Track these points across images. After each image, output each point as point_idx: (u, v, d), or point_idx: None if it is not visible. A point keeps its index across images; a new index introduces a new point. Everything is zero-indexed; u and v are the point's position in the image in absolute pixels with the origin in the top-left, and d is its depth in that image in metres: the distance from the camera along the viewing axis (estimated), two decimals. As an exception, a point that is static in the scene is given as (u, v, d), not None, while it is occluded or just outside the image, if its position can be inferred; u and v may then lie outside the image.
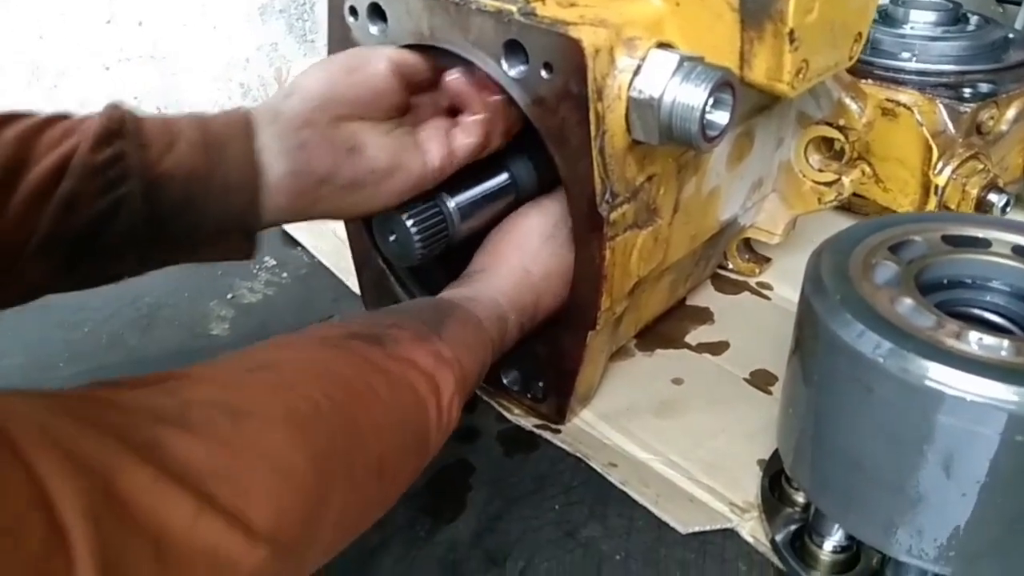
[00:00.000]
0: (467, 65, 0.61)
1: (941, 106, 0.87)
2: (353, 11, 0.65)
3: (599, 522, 0.62)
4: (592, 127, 0.55)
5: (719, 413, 0.72)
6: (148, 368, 0.78)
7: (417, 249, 0.65)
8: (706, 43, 0.59)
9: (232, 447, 0.36)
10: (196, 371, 0.42)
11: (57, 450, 0.29)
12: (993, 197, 0.87)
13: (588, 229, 0.60)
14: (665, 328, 0.83)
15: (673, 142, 0.56)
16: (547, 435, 0.70)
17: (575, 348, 0.66)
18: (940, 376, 0.44)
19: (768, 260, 0.92)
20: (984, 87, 0.89)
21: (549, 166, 0.61)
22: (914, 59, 0.94)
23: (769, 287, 0.90)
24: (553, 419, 0.71)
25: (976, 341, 0.46)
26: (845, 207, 0.96)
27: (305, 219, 0.60)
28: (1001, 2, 1.99)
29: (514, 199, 0.71)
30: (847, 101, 0.76)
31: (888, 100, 0.88)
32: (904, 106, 0.88)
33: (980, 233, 0.56)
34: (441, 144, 0.62)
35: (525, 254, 0.65)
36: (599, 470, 0.66)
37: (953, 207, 0.88)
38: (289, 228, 0.97)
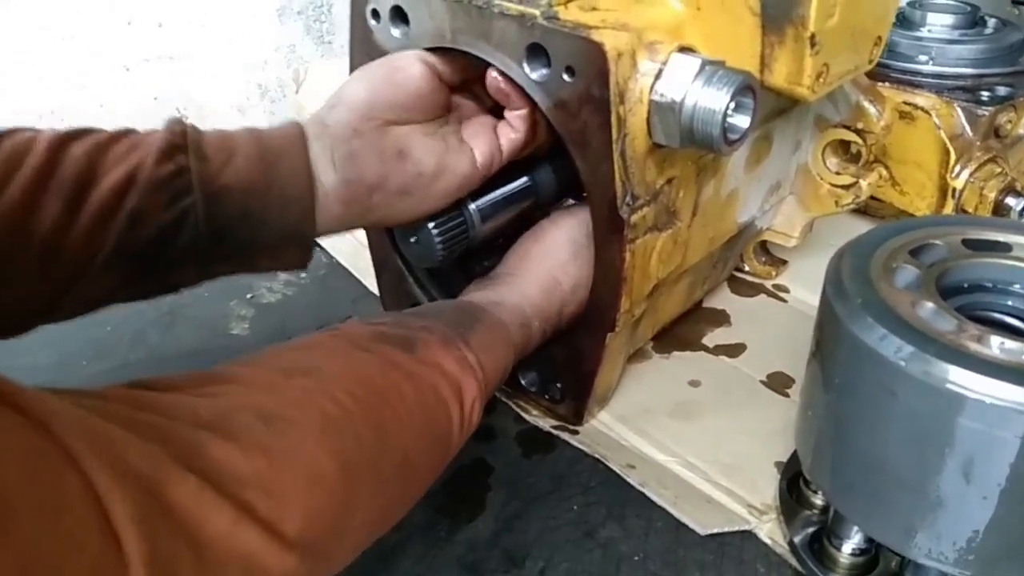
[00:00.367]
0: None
1: (959, 109, 0.87)
2: (375, 14, 0.66)
3: (617, 523, 0.62)
4: (613, 130, 0.56)
5: (736, 415, 0.72)
6: (170, 366, 0.80)
7: (438, 251, 0.65)
8: (727, 47, 0.60)
9: (269, 455, 0.38)
10: (235, 372, 0.43)
11: (108, 458, 0.30)
12: (1011, 201, 0.87)
13: (608, 231, 0.60)
14: (682, 330, 0.83)
15: (694, 145, 0.57)
16: (565, 436, 0.70)
17: (594, 350, 0.66)
18: (962, 379, 0.44)
19: (785, 263, 0.92)
20: (1002, 90, 0.89)
21: (569, 169, 0.62)
22: (931, 62, 0.94)
23: (786, 289, 0.91)
24: (571, 420, 0.72)
25: (998, 345, 0.46)
26: (862, 210, 0.96)
27: (359, 227, 0.62)
28: (1016, 3, 1.98)
29: (534, 202, 0.71)
30: (865, 104, 0.76)
31: (905, 103, 0.88)
32: (922, 109, 0.87)
33: (1000, 237, 0.56)
34: (487, 141, 0.63)
35: (555, 263, 0.66)
36: (617, 471, 0.66)
37: (970, 210, 0.88)
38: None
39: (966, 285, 0.55)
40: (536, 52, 0.57)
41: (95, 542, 0.28)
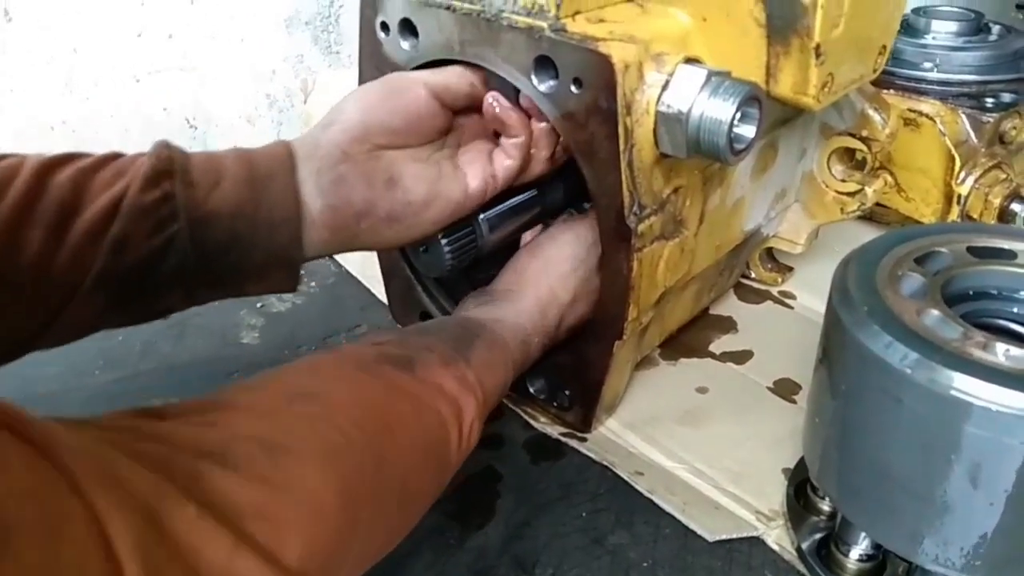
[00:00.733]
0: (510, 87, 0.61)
1: (963, 116, 0.88)
2: (384, 27, 0.66)
3: (626, 529, 0.63)
4: (621, 141, 0.56)
5: (744, 422, 0.73)
6: (181, 375, 0.80)
7: (447, 262, 0.66)
8: (733, 58, 0.60)
9: (270, 485, 0.38)
10: (237, 399, 0.43)
11: (110, 485, 0.30)
12: (1016, 207, 0.88)
13: (616, 241, 0.61)
14: (689, 337, 0.84)
15: (700, 155, 0.57)
16: (573, 443, 0.71)
17: (601, 358, 0.67)
18: (967, 387, 0.44)
19: (791, 269, 0.93)
20: (1006, 97, 0.90)
21: (577, 179, 0.62)
22: (936, 69, 0.95)
23: (792, 296, 0.91)
24: (579, 428, 0.72)
25: (1003, 352, 0.46)
26: (867, 217, 0.97)
27: (348, 251, 0.61)
28: (1020, 8, 1.98)
29: (541, 211, 0.72)
30: (870, 112, 0.77)
31: (910, 110, 0.89)
32: (926, 116, 0.88)
33: (1006, 244, 0.57)
34: (482, 168, 0.63)
35: (554, 278, 0.66)
36: (625, 478, 0.67)
37: (976, 217, 0.88)
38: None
39: (971, 292, 0.55)
40: (544, 64, 0.58)
41: (96, 568, 0.28)
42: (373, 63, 0.68)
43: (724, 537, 0.62)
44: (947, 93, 0.91)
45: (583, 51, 0.55)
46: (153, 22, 1.10)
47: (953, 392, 0.45)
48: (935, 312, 0.50)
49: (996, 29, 1.01)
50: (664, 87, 0.57)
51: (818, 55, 0.58)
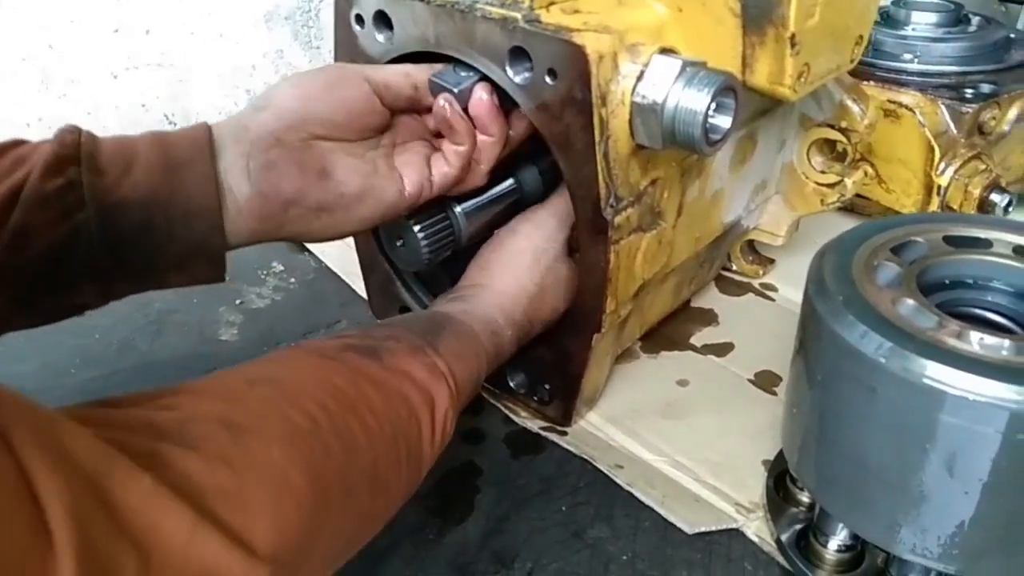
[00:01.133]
0: (480, 80, 0.60)
1: (943, 107, 0.88)
2: (359, 19, 0.66)
3: (606, 523, 0.63)
4: (596, 132, 0.56)
5: (724, 414, 0.73)
6: (159, 373, 0.80)
7: (424, 255, 0.65)
8: (708, 48, 0.60)
9: (232, 464, 0.36)
10: (195, 385, 0.41)
11: (49, 446, 0.28)
12: (995, 197, 0.88)
13: (593, 233, 0.60)
14: (670, 330, 0.84)
15: (676, 146, 0.57)
16: (553, 437, 0.71)
17: (580, 351, 0.67)
18: (941, 376, 0.44)
19: (772, 261, 0.93)
20: (986, 87, 0.90)
21: (554, 170, 0.62)
22: (916, 60, 0.95)
23: (773, 288, 0.91)
24: (559, 421, 0.72)
25: (977, 341, 0.46)
26: (848, 208, 0.97)
27: (273, 240, 0.58)
28: (1004, 1, 1.99)
29: (519, 202, 0.71)
30: (849, 103, 0.77)
31: (890, 101, 0.89)
32: (906, 107, 0.88)
33: (981, 234, 0.57)
34: (418, 171, 0.61)
35: (519, 269, 0.64)
36: (605, 471, 0.66)
37: (956, 207, 0.88)
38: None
39: (947, 281, 0.55)
40: (518, 55, 0.57)
41: (19, 532, 0.26)
42: (348, 56, 0.67)
43: (703, 529, 0.61)
44: (927, 84, 0.91)
45: (557, 42, 0.55)
46: (130, 17, 1.09)
47: (927, 381, 0.45)
48: (910, 301, 0.49)
49: (975, 20, 1.02)
50: (639, 78, 0.56)
51: (793, 45, 0.57)
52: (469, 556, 0.60)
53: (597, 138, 0.56)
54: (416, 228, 0.65)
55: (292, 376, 0.45)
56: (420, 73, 0.61)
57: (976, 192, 0.87)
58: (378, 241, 0.74)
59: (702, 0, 0.59)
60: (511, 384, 0.73)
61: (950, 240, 0.56)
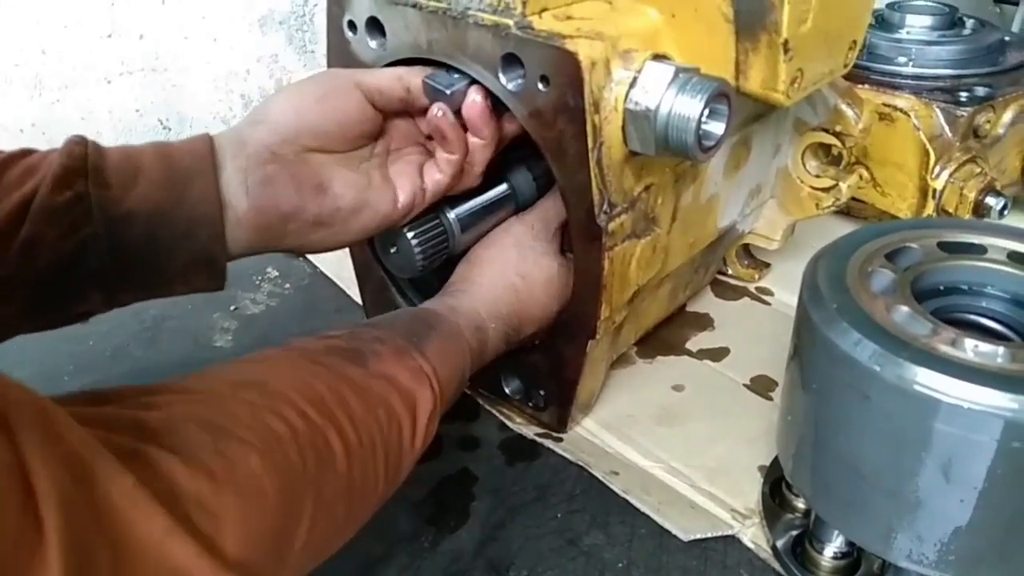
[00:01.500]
0: (473, 82, 0.60)
1: (938, 110, 0.88)
2: (352, 25, 0.66)
3: (601, 530, 0.62)
4: (589, 139, 0.56)
5: (720, 419, 0.73)
6: (153, 380, 0.77)
7: (418, 262, 0.65)
8: (702, 54, 0.60)
9: (211, 472, 0.37)
10: (181, 384, 0.42)
11: (46, 436, 0.29)
12: (991, 200, 0.88)
13: (587, 239, 0.60)
14: (666, 335, 0.83)
15: (669, 153, 0.57)
16: (549, 444, 0.70)
17: (575, 357, 0.66)
18: (936, 383, 0.44)
19: (767, 265, 0.93)
20: (980, 91, 0.90)
21: (548, 176, 0.62)
22: (911, 63, 0.95)
23: (769, 292, 0.91)
24: (555, 428, 0.72)
25: (972, 348, 0.46)
26: (844, 211, 0.97)
27: (273, 251, 0.59)
28: (998, 2, 1.99)
29: (513, 209, 0.71)
30: (843, 107, 0.77)
31: (885, 105, 0.89)
32: (901, 111, 0.88)
33: (976, 239, 0.57)
34: (411, 181, 0.61)
35: (506, 265, 0.65)
36: (601, 478, 0.66)
37: (951, 211, 0.88)
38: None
39: (942, 288, 0.55)
40: (511, 62, 0.57)
41: (13, 516, 0.27)
42: (341, 62, 0.67)
43: (699, 536, 0.61)
44: (921, 87, 0.91)
45: (549, 48, 0.55)
46: (124, 22, 1.09)
47: (921, 389, 0.45)
48: (904, 308, 0.49)
49: (970, 23, 1.02)
50: (632, 84, 0.56)
51: (786, 51, 0.57)
52: (464, 564, 0.60)
53: (590, 145, 0.56)
54: (410, 235, 0.64)
55: (276, 380, 0.46)
56: (413, 76, 0.61)
57: (971, 195, 0.87)
58: (372, 248, 0.74)
59: (695, 6, 0.59)
60: (506, 390, 0.73)
61: (944, 246, 0.56)
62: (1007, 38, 1.01)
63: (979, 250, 0.56)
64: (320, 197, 0.57)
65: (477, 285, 0.64)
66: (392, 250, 0.67)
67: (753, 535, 0.61)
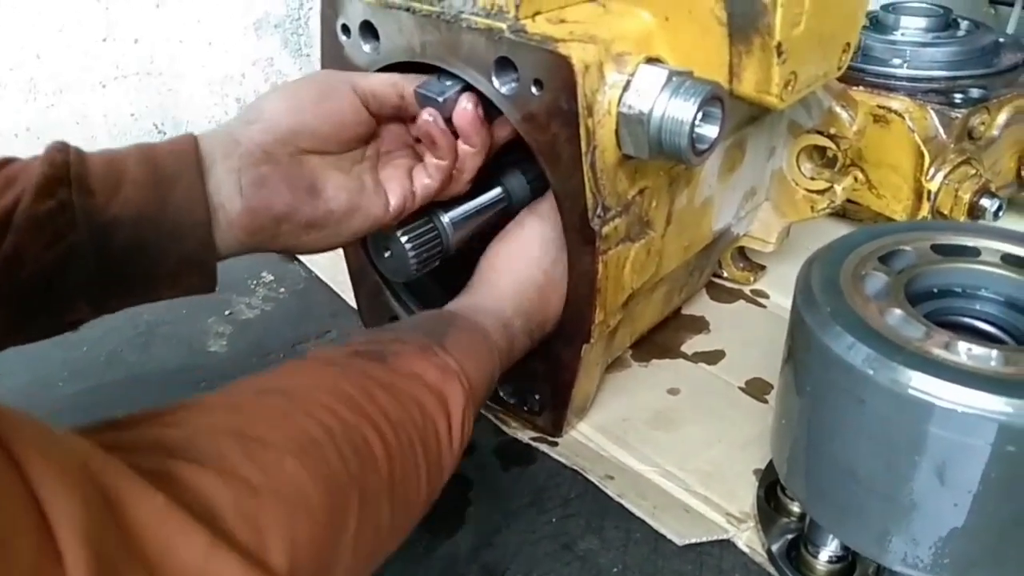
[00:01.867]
0: (465, 89, 0.60)
1: (932, 112, 0.88)
2: (346, 29, 0.65)
3: (596, 535, 0.62)
4: (583, 143, 0.56)
5: (715, 423, 0.72)
6: (148, 385, 0.79)
7: (412, 265, 0.65)
8: (695, 57, 0.60)
9: (246, 479, 0.35)
10: (201, 400, 0.40)
11: (60, 465, 0.27)
12: (985, 202, 0.88)
13: (581, 243, 0.60)
14: (661, 338, 0.83)
15: (663, 156, 0.57)
16: (544, 448, 0.70)
17: (570, 361, 0.66)
18: (929, 387, 0.44)
19: (763, 268, 0.92)
20: (975, 92, 0.90)
21: (542, 178, 0.62)
22: (905, 65, 0.95)
23: (765, 295, 0.91)
24: (550, 432, 0.71)
25: (965, 351, 0.46)
26: (839, 213, 0.97)
27: (264, 251, 0.58)
28: (993, 3, 2.00)
29: (507, 210, 0.71)
30: (837, 110, 0.76)
31: (880, 107, 0.89)
32: (895, 112, 0.88)
33: (969, 242, 0.57)
34: (401, 185, 0.61)
35: (529, 260, 0.64)
36: (596, 482, 0.66)
37: (946, 212, 0.88)
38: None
39: (935, 290, 0.55)
40: (504, 65, 0.57)
41: (28, 556, 0.25)
42: (335, 66, 0.67)
43: (694, 541, 0.61)
44: (916, 89, 0.91)
45: (542, 52, 0.55)
46: (118, 26, 1.08)
47: (915, 393, 0.44)
48: (898, 311, 0.49)
49: (964, 25, 1.02)
50: (625, 88, 0.56)
51: (780, 54, 0.57)
52: (459, 570, 0.60)
53: (584, 149, 0.56)
54: (403, 238, 0.64)
55: (301, 385, 0.45)
56: (407, 83, 0.61)
57: (966, 197, 0.87)
58: (367, 252, 0.74)
59: (688, 9, 0.59)
60: (501, 394, 0.73)
61: (938, 249, 0.56)
62: (1001, 39, 1.01)
63: (973, 253, 0.56)
64: (314, 199, 0.57)
65: (498, 283, 0.64)
66: (386, 254, 0.67)
67: (748, 539, 0.61)
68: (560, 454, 0.69)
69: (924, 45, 0.97)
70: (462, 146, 0.61)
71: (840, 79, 0.73)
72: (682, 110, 0.55)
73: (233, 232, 0.54)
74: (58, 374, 0.80)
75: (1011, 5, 1.85)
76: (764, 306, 0.89)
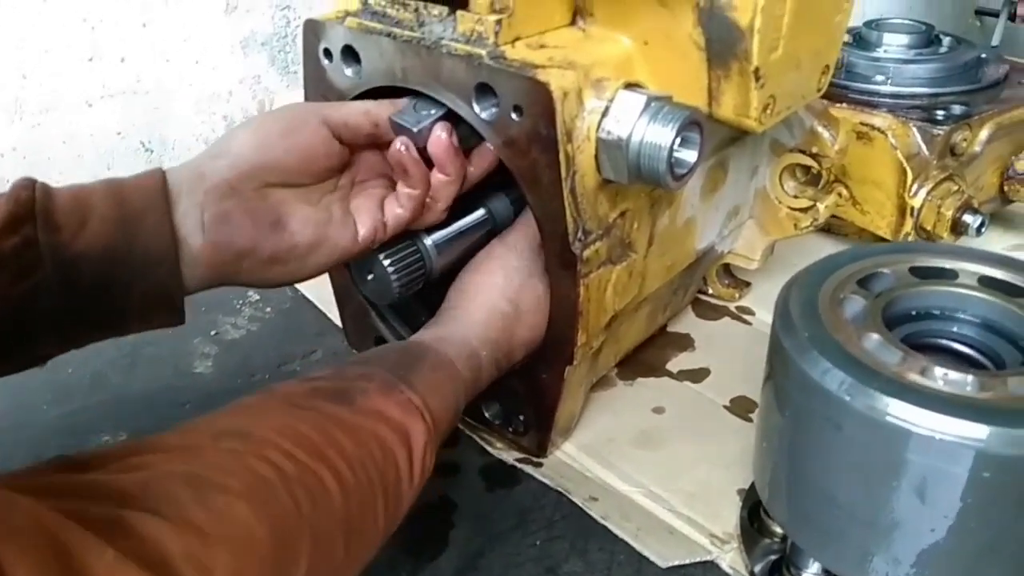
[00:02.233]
0: (441, 118, 0.60)
1: (914, 129, 0.88)
2: (327, 53, 0.66)
3: (580, 557, 0.62)
4: (562, 168, 0.56)
5: (699, 442, 0.72)
6: (133, 407, 0.79)
7: (395, 288, 0.65)
8: (675, 81, 0.60)
9: (196, 525, 0.36)
10: (160, 441, 0.42)
11: (15, 526, 0.28)
12: (968, 218, 0.88)
13: (562, 267, 0.60)
14: (646, 356, 0.83)
15: (642, 181, 0.57)
16: (529, 469, 0.70)
17: (553, 383, 0.66)
18: (905, 414, 0.44)
19: (748, 284, 0.93)
20: (957, 109, 0.90)
21: (525, 200, 0.62)
22: (888, 82, 0.96)
23: (750, 311, 0.91)
24: (535, 452, 0.71)
25: (941, 377, 0.46)
26: (825, 228, 0.97)
27: (230, 284, 0.58)
28: (980, 14, 2.01)
29: (491, 232, 0.71)
30: (819, 129, 0.77)
31: (862, 124, 0.89)
32: (878, 130, 0.88)
33: (947, 264, 0.57)
34: (372, 216, 0.61)
35: (494, 289, 0.64)
36: (580, 504, 0.66)
37: (929, 228, 0.89)
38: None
39: (914, 313, 0.55)
40: (484, 91, 0.57)
41: None
42: (318, 90, 0.67)
43: (677, 563, 0.61)
44: (899, 106, 0.92)
45: (521, 79, 0.55)
46: (104, 45, 1.08)
47: (891, 419, 0.45)
48: (875, 336, 0.50)
49: (947, 41, 1.02)
50: (604, 113, 0.57)
51: (758, 78, 0.57)
52: (442, 594, 0.60)
53: (563, 174, 0.56)
54: (386, 262, 0.64)
55: (259, 427, 0.45)
56: (381, 110, 0.61)
57: (949, 213, 0.87)
58: (351, 274, 0.74)
59: (667, 34, 0.59)
60: (486, 415, 0.73)
61: (916, 271, 0.56)
62: (983, 55, 1.01)
63: (951, 275, 0.56)
64: (277, 234, 0.57)
65: (466, 312, 0.64)
66: (368, 277, 0.67)
67: (732, 560, 0.61)
68: (545, 475, 0.69)
69: (906, 62, 0.97)
70: (436, 175, 0.61)
71: (823, 96, 0.74)
72: (660, 135, 0.55)
73: (197, 267, 0.54)
74: (42, 396, 0.80)
75: (996, 16, 1.86)
76: (749, 323, 0.90)
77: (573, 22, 0.63)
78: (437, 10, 0.59)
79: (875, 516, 0.48)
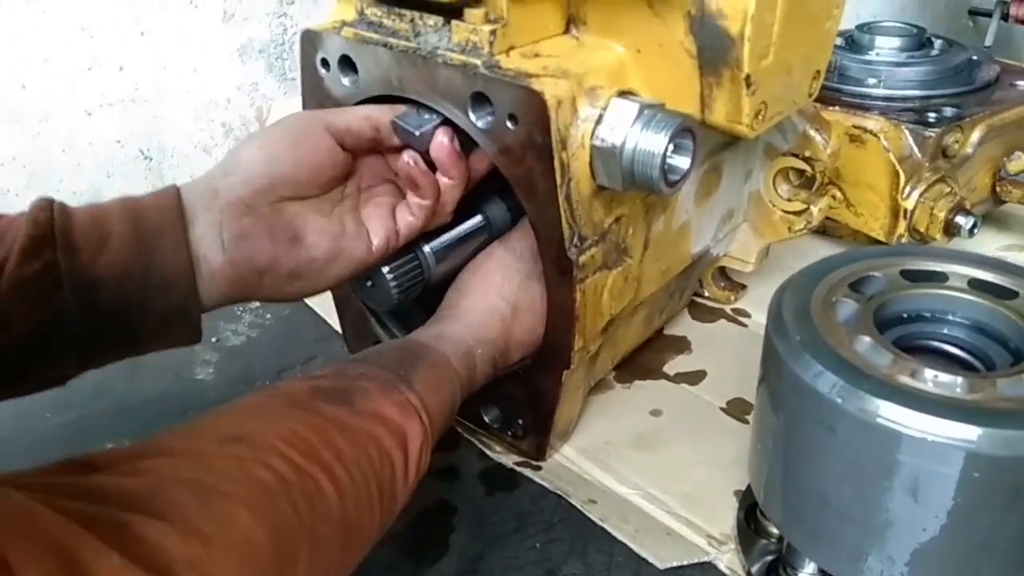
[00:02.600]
0: (442, 123, 0.61)
1: (907, 131, 0.89)
2: (325, 63, 0.66)
3: (579, 559, 0.63)
4: (557, 175, 0.57)
5: (697, 444, 0.73)
6: (135, 415, 0.79)
7: (394, 295, 0.66)
8: (667, 88, 0.61)
9: (200, 531, 0.37)
10: (167, 444, 0.42)
11: (26, 532, 0.29)
12: (960, 219, 0.89)
13: (558, 273, 0.61)
14: (643, 359, 0.84)
15: (636, 187, 0.58)
16: (528, 472, 0.71)
17: (551, 387, 0.67)
18: (896, 416, 0.45)
19: (743, 287, 0.93)
20: (948, 111, 0.91)
21: (522, 206, 0.63)
22: (880, 85, 0.96)
23: (746, 314, 0.92)
24: (534, 456, 0.72)
25: (931, 379, 0.47)
26: (819, 230, 0.98)
27: (248, 301, 0.58)
28: (973, 15, 2.02)
29: (488, 238, 0.72)
30: (812, 133, 0.78)
31: (855, 127, 0.90)
32: (871, 132, 0.89)
33: (938, 267, 0.58)
34: (384, 225, 0.62)
35: (491, 289, 0.65)
36: (579, 507, 0.67)
37: (922, 230, 0.90)
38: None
39: (905, 316, 0.56)
40: (480, 100, 0.58)
41: None
42: (315, 99, 0.68)
43: (675, 564, 0.62)
44: (891, 109, 0.92)
45: (516, 88, 0.56)
46: (103, 54, 1.09)
47: (882, 421, 0.45)
48: (866, 339, 0.50)
49: (938, 43, 1.03)
50: (598, 121, 0.57)
51: (749, 85, 0.58)
52: (443, 597, 0.61)
53: (559, 181, 0.57)
54: (385, 270, 0.65)
55: (262, 430, 0.46)
56: (382, 115, 0.62)
57: (941, 215, 0.88)
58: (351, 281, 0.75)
59: (659, 42, 0.60)
60: (486, 419, 0.73)
61: (907, 274, 0.57)
62: (975, 57, 1.02)
63: (941, 278, 0.57)
64: (295, 249, 0.58)
65: (463, 312, 0.65)
66: (368, 284, 0.67)
67: (729, 561, 0.62)
68: (544, 478, 0.70)
69: (898, 65, 0.98)
70: (441, 179, 0.62)
71: (817, 99, 0.74)
72: (653, 142, 0.56)
73: (216, 285, 0.55)
74: (44, 405, 0.80)
75: (989, 16, 1.87)
76: (745, 325, 0.90)
77: (567, 31, 0.64)
78: (432, 20, 0.60)
79: (869, 516, 0.49)
